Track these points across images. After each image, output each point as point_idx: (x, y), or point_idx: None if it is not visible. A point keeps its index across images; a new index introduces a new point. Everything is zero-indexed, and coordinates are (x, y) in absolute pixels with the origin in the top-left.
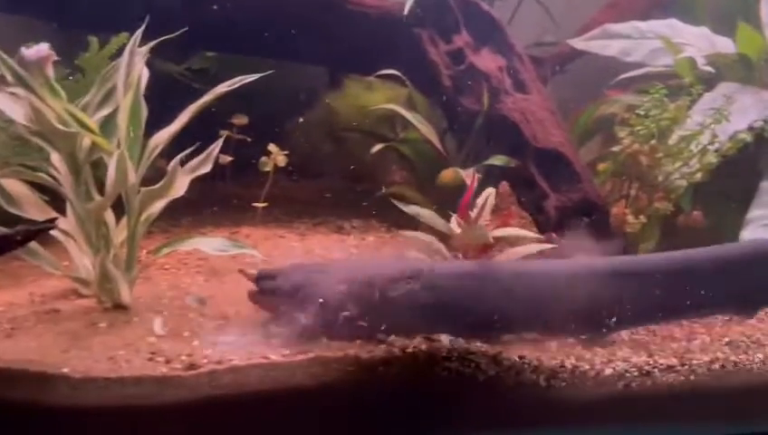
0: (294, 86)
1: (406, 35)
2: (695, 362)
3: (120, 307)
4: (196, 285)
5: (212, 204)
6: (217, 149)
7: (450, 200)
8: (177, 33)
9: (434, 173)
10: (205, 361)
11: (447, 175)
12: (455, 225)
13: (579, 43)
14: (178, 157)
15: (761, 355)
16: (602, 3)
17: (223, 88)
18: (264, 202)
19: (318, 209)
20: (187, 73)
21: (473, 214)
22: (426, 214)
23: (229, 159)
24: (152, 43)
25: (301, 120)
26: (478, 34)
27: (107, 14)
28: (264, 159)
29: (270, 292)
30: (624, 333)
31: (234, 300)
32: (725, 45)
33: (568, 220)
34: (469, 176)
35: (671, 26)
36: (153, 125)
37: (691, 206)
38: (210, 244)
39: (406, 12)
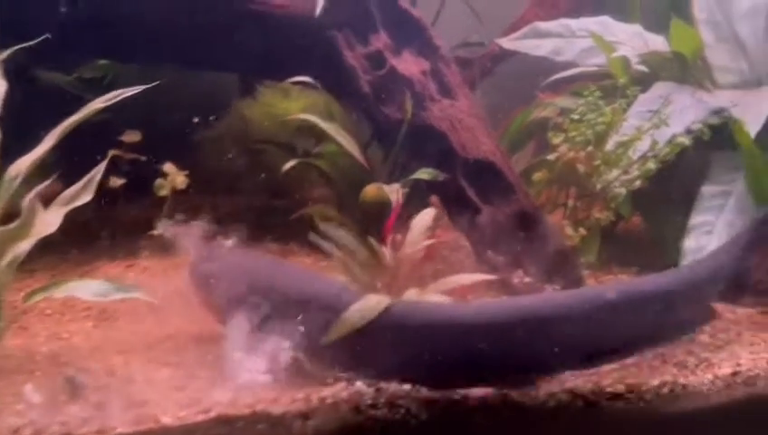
0: (203, 93)
1: (319, 38)
2: (643, 387)
3: None
4: (83, 332)
5: (107, 231)
6: (98, 175)
7: (376, 219)
8: (36, 41)
9: (356, 189)
10: (83, 430)
11: (370, 191)
12: (386, 253)
13: (508, 43)
14: (36, 190)
15: (710, 376)
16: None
17: (98, 104)
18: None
19: (229, 232)
20: (77, 84)
21: (401, 239)
22: (342, 237)
23: (121, 181)
24: (6, 53)
25: (210, 130)
26: (399, 35)
27: None
28: (159, 181)
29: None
30: None
31: (125, 348)
32: (659, 43)
33: (503, 235)
34: (394, 192)
35: (603, 24)
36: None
37: (630, 212)
38: (88, 288)
39: (318, 12)
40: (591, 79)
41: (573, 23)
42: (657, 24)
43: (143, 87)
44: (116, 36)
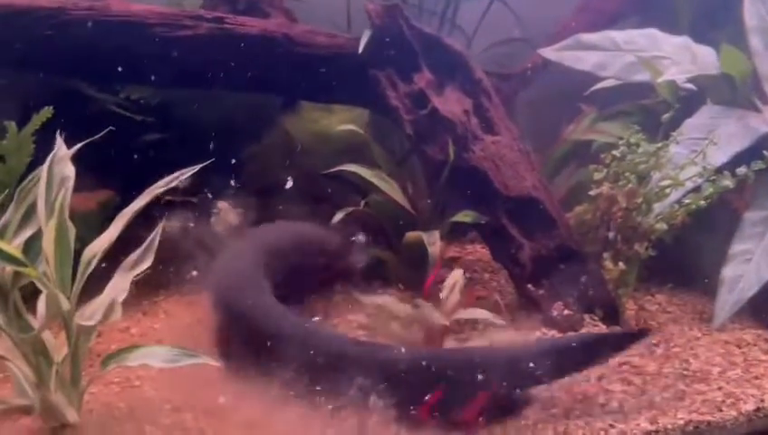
0: (244, 107)
1: (363, 75)
2: (669, 425)
3: (67, 426)
4: (150, 379)
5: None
6: (157, 240)
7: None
8: None
9: (403, 227)
10: None
11: (412, 237)
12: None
13: (551, 54)
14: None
15: (734, 413)
16: (568, 3)
17: (158, 189)
18: None
19: None
20: (126, 103)
21: (442, 295)
22: (386, 302)
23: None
24: (76, 147)
25: (256, 147)
26: (441, 71)
27: None
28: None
29: None
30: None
31: (192, 402)
32: (707, 56)
33: (545, 270)
34: (433, 244)
35: (649, 37)
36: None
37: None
38: (157, 355)
39: (360, 50)
40: (634, 92)
41: (618, 35)
42: (707, 27)
43: (199, 166)
44: (175, 72)
